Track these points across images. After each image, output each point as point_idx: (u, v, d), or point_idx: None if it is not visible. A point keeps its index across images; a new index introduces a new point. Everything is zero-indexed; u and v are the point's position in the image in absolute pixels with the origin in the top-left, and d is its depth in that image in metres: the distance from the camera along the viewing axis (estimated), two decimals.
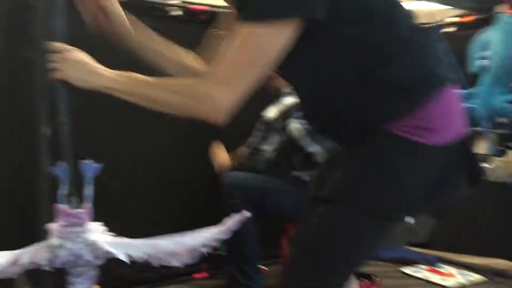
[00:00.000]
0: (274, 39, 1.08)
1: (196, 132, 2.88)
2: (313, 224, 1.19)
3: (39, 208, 1.11)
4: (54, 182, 1.11)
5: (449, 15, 3.16)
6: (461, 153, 1.18)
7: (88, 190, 1.08)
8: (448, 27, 3.13)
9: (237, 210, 1.10)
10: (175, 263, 1.10)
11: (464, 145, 1.18)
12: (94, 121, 2.41)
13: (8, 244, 1.25)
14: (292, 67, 1.19)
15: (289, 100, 2.52)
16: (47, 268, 1.06)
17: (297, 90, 1.33)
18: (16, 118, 1.32)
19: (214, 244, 1.12)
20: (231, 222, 1.08)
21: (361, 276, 2.54)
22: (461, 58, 2.44)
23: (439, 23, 3.13)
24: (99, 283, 1.16)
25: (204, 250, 1.09)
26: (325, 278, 1.16)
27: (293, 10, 1.06)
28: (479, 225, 3.17)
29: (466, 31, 2.95)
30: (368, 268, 3.12)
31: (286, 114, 2.49)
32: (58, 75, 1.14)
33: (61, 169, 1.10)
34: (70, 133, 1.13)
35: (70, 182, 1.10)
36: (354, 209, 1.14)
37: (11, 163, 1.32)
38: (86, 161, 1.08)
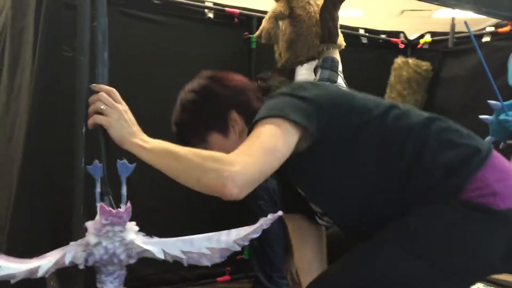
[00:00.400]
0: (284, 135, 1.16)
1: None
2: (370, 255, 1.19)
3: (74, 207, 1.12)
4: (88, 182, 1.12)
5: (485, 24, 3.11)
6: None
7: (123, 190, 1.08)
8: (483, 37, 3.09)
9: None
10: (206, 262, 1.09)
11: None
12: None
13: (44, 243, 1.27)
14: (332, 192, 1.28)
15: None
16: (81, 267, 1.07)
17: (333, 211, 1.37)
18: (54, 116, 1.33)
19: (245, 243, 1.10)
20: (263, 221, 1.07)
21: None
22: (497, 68, 2.39)
23: (474, 32, 3.08)
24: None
25: (237, 248, 1.08)
26: None
27: (295, 118, 1.17)
28: None
29: (502, 41, 2.90)
30: None
31: None
32: (99, 119, 1.14)
33: (95, 168, 1.11)
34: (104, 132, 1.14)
35: (102, 182, 1.11)
36: (421, 260, 1.14)
37: (47, 161, 1.33)
38: (122, 161, 1.09)
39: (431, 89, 3.50)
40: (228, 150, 1.16)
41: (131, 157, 1.11)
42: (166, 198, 2.80)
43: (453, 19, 3.28)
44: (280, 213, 1.07)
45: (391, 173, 1.20)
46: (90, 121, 1.14)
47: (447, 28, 3.37)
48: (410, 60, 3.38)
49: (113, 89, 1.16)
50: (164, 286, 2.78)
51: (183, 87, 1.37)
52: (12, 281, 1.02)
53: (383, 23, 4.11)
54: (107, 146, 1.14)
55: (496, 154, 1.22)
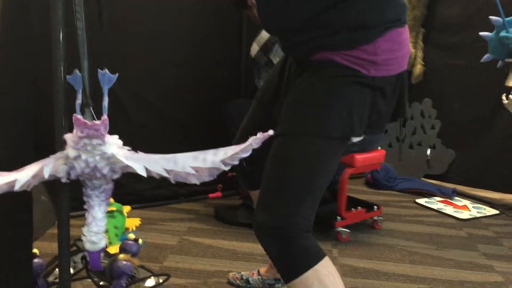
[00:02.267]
0: None
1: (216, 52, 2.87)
2: (273, 158, 1.24)
3: (55, 118, 1.06)
4: (70, 93, 1.07)
5: None
6: (395, 88, 1.28)
7: (105, 101, 1.03)
8: None
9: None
10: (194, 180, 1.06)
11: (399, 81, 1.28)
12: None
13: (26, 154, 1.23)
14: None
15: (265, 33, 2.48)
16: (63, 180, 1.04)
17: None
18: (29, 22, 1.24)
19: (234, 162, 1.07)
20: (253, 140, 1.02)
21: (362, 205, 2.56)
22: None
23: None
24: (113, 197, 1.14)
25: (224, 168, 1.05)
26: (293, 205, 1.19)
27: None
28: (497, 160, 3.12)
29: None
30: (383, 197, 3.16)
31: (266, 48, 2.54)
32: None
33: (75, 78, 1.05)
34: (86, 40, 1.06)
35: (85, 92, 1.05)
36: (304, 134, 1.22)
37: (30, 69, 1.26)
38: (103, 71, 1.02)
39: (431, 4, 3.37)
40: None
41: (113, 69, 1.04)
42: (156, 114, 2.78)
43: None
44: (271, 132, 1.02)
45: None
46: None
47: None
48: None
49: None
50: (157, 201, 2.82)
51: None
52: None
53: None
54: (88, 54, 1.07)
55: (398, 28, 1.26)
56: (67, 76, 1.05)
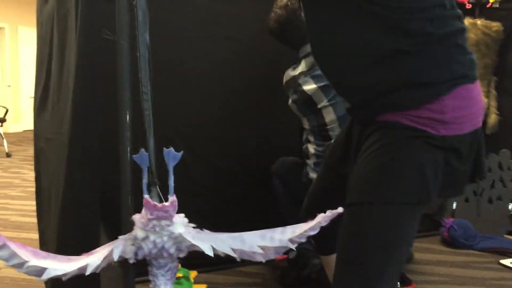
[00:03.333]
0: None
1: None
2: (346, 230, 1.19)
3: (122, 198, 1.07)
4: (137, 172, 1.07)
5: None
6: (471, 147, 1.21)
7: (171, 180, 1.02)
8: None
9: None
10: (260, 258, 1.02)
11: (475, 139, 1.21)
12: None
13: (93, 237, 1.24)
14: (328, 30, 1.24)
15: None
16: (131, 261, 1.03)
17: (319, 46, 1.33)
18: (97, 103, 1.28)
19: (302, 240, 1.03)
20: (321, 218, 0.98)
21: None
22: None
23: None
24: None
25: (292, 246, 1.01)
26: (372, 283, 1.12)
27: None
28: None
29: None
30: (462, 257, 2.95)
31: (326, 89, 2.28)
32: None
33: (142, 157, 1.05)
34: (152, 120, 1.07)
35: (151, 171, 1.05)
36: (377, 203, 1.16)
37: (93, 153, 1.29)
38: (168, 149, 1.02)
39: (502, 51, 3.23)
40: None
41: (178, 145, 1.04)
42: (220, 176, 2.78)
43: None
44: (340, 209, 0.98)
45: (390, 45, 1.17)
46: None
47: None
48: (479, 21, 3.11)
49: None
50: (223, 264, 2.77)
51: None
52: (64, 279, 0.99)
53: None
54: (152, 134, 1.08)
55: (468, 84, 1.19)
56: (134, 156, 1.06)
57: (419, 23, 1.14)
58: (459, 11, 1.23)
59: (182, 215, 1.02)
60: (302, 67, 2.28)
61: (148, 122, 1.07)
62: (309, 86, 2.22)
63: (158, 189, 1.05)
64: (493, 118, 3.27)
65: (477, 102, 1.22)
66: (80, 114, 1.23)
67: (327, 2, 1.20)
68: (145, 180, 1.05)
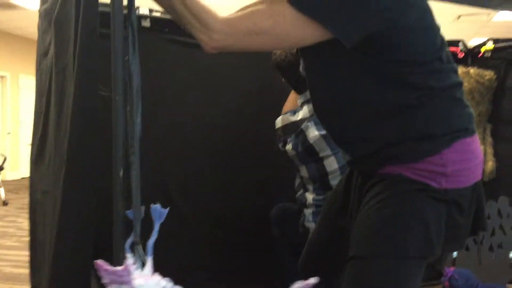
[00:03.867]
0: (299, 31, 1.13)
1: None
2: (351, 283, 1.18)
3: (114, 253, 1.05)
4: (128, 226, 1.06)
5: None
6: (472, 201, 1.22)
7: (152, 240, 1.01)
8: None
9: None
10: None
11: (475, 192, 1.22)
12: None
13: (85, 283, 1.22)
14: (330, 86, 1.26)
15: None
16: None
17: (320, 102, 1.35)
18: (91, 159, 1.29)
19: None
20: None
21: None
22: None
23: None
24: None
25: None
26: None
27: (329, 22, 1.11)
28: None
29: None
30: None
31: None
32: None
33: (134, 213, 1.05)
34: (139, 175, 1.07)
35: (135, 230, 1.05)
36: (382, 257, 1.16)
37: (87, 205, 1.29)
38: (155, 206, 1.02)
39: (496, 99, 3.27)
40: None
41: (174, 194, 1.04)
42: (217, 224, 2.75)
43: None
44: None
45: (392, 100, 1.19)
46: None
47: (510, 32, 3.14)
48: (472, 70, 3.17)
49: None
50: None
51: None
52: None
53: None
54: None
55: (468, 137, 1.21)
56: (127, 211, 1.05)
57: (420, 77, 1.17)
58: (455, 65, 1.25)
59: (157, 277, 0.99)
60: (304, 112, 2.26)
61: (135, 177, 1.07)
62: (312, 134, 2.20)
63: (141, 248, 1.03)
64: (490, 165, 3.27)
65: (477, 156, 1.23)
66: (74, 170, 1.23)
67: (328, 59, 1.22)
68: (129, 240, 1.03)
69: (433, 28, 1.21)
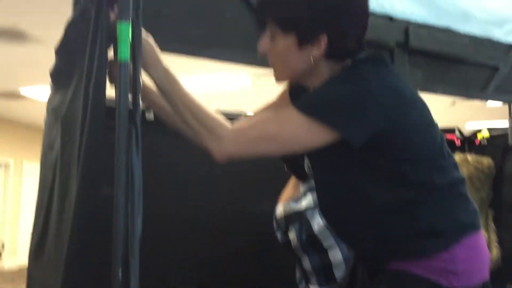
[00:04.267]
0: (308, 135, 1.16)
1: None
2: None
3: None
4: None
5: None
6: None
7: None
8: None
9: None
10: None
11: None
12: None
13: None
14: (335, 183, 1.28)
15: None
16: None
17: (325, 200, 1.36)
18: (90, 264, 1.28)
19: None
20: None
21: None
22: None
23: None
24: None
25: None
26: None
27: (337, 125, 1.14)
28: None
29: None
30: None
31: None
32: None
33: None
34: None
35: None
36: None
37: None
38: None
39: (496, 186, 3.28)
40: (285, 60, 1.20)
41: None
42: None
43: (510, 107, 3.13)
44: None
45: (395, 198, 1.20)
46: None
47: (505, 117, 3.22)
48: (469, 157, 3.22)
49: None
50: None
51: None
52: None
53: (434, 116, 4.01)
54: None
55: (475, 234, 1.21)
56: None
57: (425, 173, 1.18)
58: (455, 160, 1.28)
59: None
60: (308, 201, 2.25)
61: (133, 277, 1.06)
62: (317, 223, 2.16)
63: None
64: (495, 253, 3.22)
65: (485, 253, 1.22)
66: (74, 271, 1.22)
67: (333, 158, 1.24)
68: None
69: (433, 125, 1.25)
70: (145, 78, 1.26)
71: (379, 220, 1.21)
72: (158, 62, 1.23)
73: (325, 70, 1.24)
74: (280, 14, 1.22)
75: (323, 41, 1.20)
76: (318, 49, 1.21)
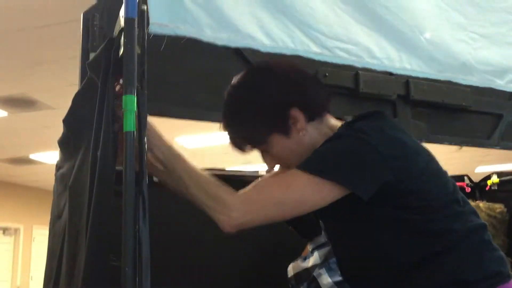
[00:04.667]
0: (316, 193, 1.15)
1: None
2: None
3: None
4: None
5: None
6: None
7: None
8: None
9: None
10: None
11: None
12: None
13: None
14: (351, 243, 1.27)
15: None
16: None
17: (343, 260, 1.36)
18: None
19: None
20: None
21: None
22: None
23: None
24: None
25: None
26: None
27: (343, 179, 1.14)
28: None
29: None
30: None
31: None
32: None
33: None
34: None
35: None
36: None
37: None
38: None
39: (511, 232, 3.22)
40: (291, 151, 1.21)
41: None
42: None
43: None
44: None
45: (415, 252, 1.17)
46: None
47: None
48: (481, 204, 3.17)
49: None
50: None
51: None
52: None
53: (442, 162, 3.99)
54: None
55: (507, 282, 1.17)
56: None
57: (442, 221, 1.16)
58: (473, 207, 1.25)
59: None
60: (315, 259, 2.24)
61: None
62: (326, 281, 2.12)
63: None
64: None
65: None
66: None
67: (345, 216, 1.23)
68: None
69: (442, 172, 1.24)
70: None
71: (400, 276, 1.18)
72: (161, 141, 1.24)
73: (315, 133, 1.28)
74: (246, 134, 1.29)
75: (297, 113, 1.25)
76: (299, 123, 1.26)
